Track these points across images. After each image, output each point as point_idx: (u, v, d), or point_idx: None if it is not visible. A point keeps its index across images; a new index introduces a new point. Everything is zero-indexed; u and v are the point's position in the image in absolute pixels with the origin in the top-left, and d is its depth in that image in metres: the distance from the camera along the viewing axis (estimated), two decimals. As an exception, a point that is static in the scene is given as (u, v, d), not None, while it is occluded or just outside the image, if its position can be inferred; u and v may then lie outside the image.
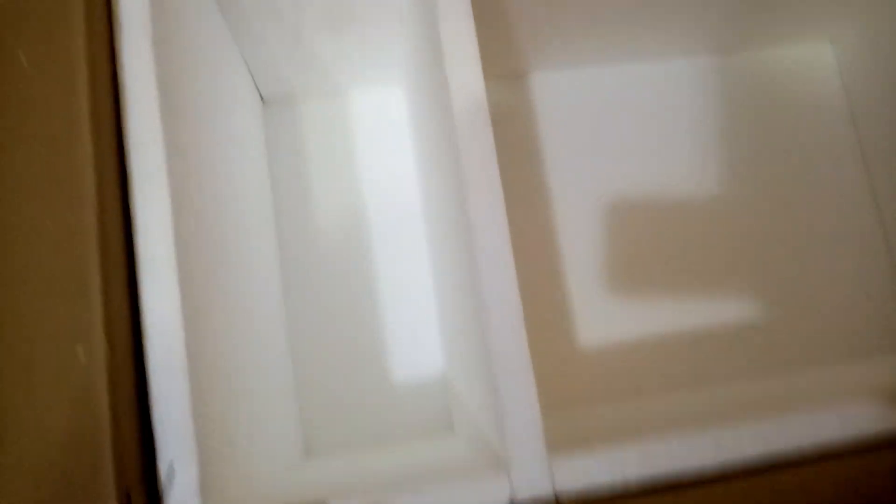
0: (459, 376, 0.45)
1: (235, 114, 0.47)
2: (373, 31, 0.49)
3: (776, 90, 0.61)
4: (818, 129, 0.61)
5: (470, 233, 0.31)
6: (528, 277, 0.55)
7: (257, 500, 0.32)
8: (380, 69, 0.55)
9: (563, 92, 0.59)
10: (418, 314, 0.54)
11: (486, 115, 0.32)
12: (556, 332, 0.55)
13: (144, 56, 0.31)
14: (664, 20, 0.54)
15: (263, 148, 0.55)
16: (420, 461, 0.42)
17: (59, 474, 0.26)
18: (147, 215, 0.30)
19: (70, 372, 0.27)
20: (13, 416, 0.27)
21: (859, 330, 0.56)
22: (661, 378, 0.55)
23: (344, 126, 0.57)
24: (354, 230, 0.56)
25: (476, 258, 0.30)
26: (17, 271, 0.28)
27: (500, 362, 0.30)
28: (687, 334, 0.56)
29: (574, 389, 0.54)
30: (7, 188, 0.28)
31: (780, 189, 0.59)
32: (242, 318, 0.39)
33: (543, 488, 0.29)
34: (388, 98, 0.58)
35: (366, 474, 0.40)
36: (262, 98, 0.56)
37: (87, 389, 0.27)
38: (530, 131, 0.59)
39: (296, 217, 0.55)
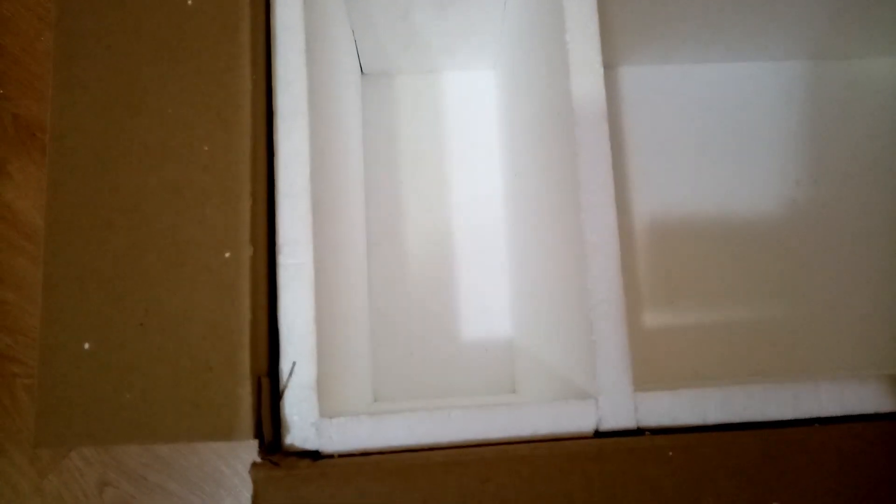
0: (532, 337, 0.48)
1: (344, 82, 0.51)
2: (475, 13, 0.53)
3: (859, 100, 0.62)
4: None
5: (579, 187, 0.33)
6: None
7: (362, 402, 0.35)
8: (476, 51, 0.58)
9: (649, 87, 0.61)
10: (490, 280, 0.57)
11: (602, 100, 0.35)
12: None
13: (295, 10, 0.34)
14: (759, 24, 0.56)
15: (360, 116, 0.59)
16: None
17: (198, 359, 0.30)
18: (288, 146, 0.33)
19: (218, 272, 0.30)
20: (160, 306, 0.31)
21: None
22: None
23: (436, 102, 0.61)
24: (437, 196, 0.59)
25: (582, 209, 0.33)
26: (175, 184, 0.32)
27: (596, 303, 0.32)
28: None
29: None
30: (170, 116, 0.32)
31: (854, 200, 0.60)
32: (352, 252, 0.43)
33: (628, 419, 0.31)
34: (479, 79, 0.61)
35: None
36: (362, 70, 0.60)
37: (230, 287, 0.30)
38: (613, 125, 0.61)
39: (384, 181, 0.59)
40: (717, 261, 0.59)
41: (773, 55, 0.61)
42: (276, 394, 0.31)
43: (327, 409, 0.32)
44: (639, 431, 0.31)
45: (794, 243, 0.59)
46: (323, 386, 0.33)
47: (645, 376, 0.56)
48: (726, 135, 0.61)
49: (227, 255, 0.31)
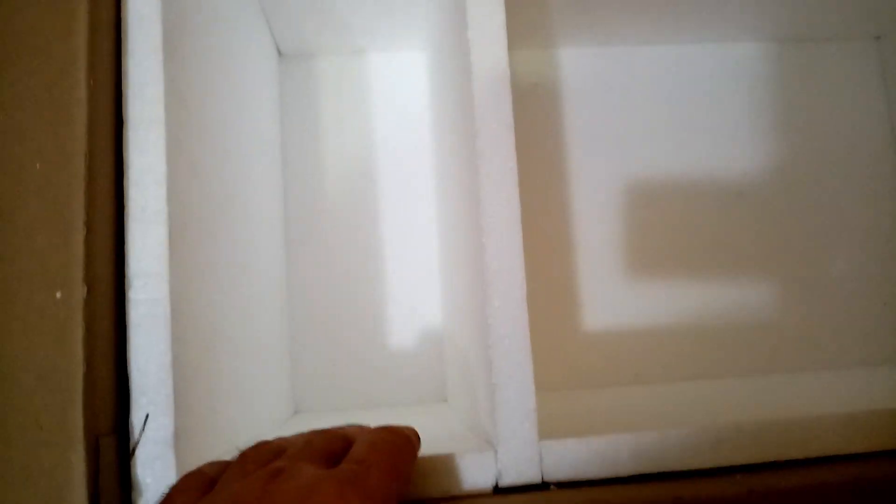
0: (457, 348, 0.44)
1: (249, 66, 0.46)
2: (395, -10, 0.48)
3: (812, 83, 0.58)
4: (855, 128, 0.58)
5: (480, 205, 0.29)
6: (538, 255, 0.54)
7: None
8: (402, 32, 0.53)
9: (592, 69, 0.57)
10: (421, 281, 0.53)
11: (507, 85, 0.31)
12: (563, 314, 0.54)
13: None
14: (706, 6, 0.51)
15: (277, 101, 0.54)
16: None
17: (28, 415, 0.26)
18: (140, 163, 0.29)
19: (47, 313, 0.26)
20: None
21: (873, 336, 0.54)
22: (663, 367, 0.53)
23: (360, 85, 0.56)
24: (362, 190, 0.54)
25: (484, 230, 0.29)
26: (4, 208, 0.27)
27: (497, 340, 0.28)
28: (695, 325, 0.54)
29: (576, 372, 0.53)
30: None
31: (806, 183, 0.57)
32: (239, 274, 0.38)
33: (531, 472, 0.28)
34: (407, 61, 0.56)
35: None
36: (279, 52, 0.55)
37: (62, 333, 0.26)
38: (555, 106, 0.57)
39: (304, 172, 0.54)
40: (665, 250, 0.55)
41: (721, 37, 0.57)
42: (126, 452, 0.27)
43: (193, 461, 0.28)
44: (544, 485, 0.28)
45: (744, 242, 0.56)
46: (191, 435, 0.29)
47: (580, 380, 0.52)
48: (673, 117, 0.57)
49: (59, 295, 0.26)
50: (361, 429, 0.27)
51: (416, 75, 0.56)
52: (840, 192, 0.57)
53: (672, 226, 0.55)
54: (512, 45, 0.32)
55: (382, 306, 0.53)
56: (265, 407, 0.43)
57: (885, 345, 0.54)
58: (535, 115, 0.56)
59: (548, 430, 0.28)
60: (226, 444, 0.33)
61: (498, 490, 0.28)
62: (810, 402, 0.38)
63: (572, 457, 0.28)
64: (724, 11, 0.53)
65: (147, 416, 0.27)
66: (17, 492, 0.25)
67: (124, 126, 0.29)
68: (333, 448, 0.25)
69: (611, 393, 0.49)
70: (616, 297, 0.54)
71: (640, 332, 0.54)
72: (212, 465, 0.26)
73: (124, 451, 0.27)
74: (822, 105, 0.58)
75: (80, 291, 0.26)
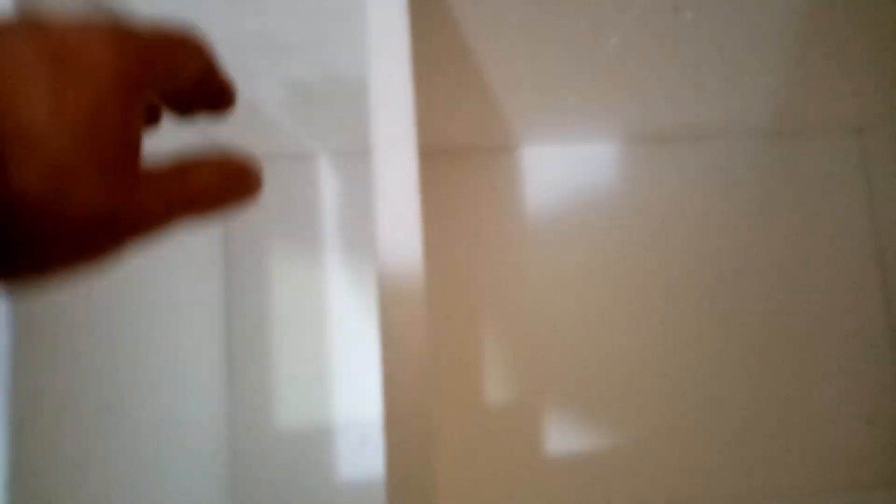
0: None
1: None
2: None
3: (793, 177, 0.55)
4: (837, 227, 0.54)
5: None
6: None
7: None
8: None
9: (549, 167, 0.53)
10: (371, 408, 0.49)
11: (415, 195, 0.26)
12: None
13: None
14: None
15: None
16: None
17: None
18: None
19: None
20: None
21: (859, 460, 0.51)
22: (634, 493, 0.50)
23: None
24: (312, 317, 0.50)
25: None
26: None
27: None
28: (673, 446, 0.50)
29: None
30: None
31: (787, 285, 0.53)
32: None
33: None
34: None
35: None
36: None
37: None
38: (515, 205, 0.53)
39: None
40: (621, 373, 0.51)
41: (701, 134, 0.53)
42: None
43: None
44: None
45: (722, 358, 0.52)
46: None
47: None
48: (632, 216, 0.53)
49: None
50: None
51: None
52: (822, 294, 0.53)
53: (646, 335, 0.52)
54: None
55: (330, 437, 0.49)
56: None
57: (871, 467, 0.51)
58: (498, 215, 0.52)
59: None
60: None
61: None
62: None
63: None
64: (706, 105, 0.49)
65: None
66: None
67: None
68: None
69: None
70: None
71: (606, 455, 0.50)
72: None
73: None
74: (804, 201, 0.54)
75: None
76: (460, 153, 0.53)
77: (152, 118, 0.22)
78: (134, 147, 0.17)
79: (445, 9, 0.33)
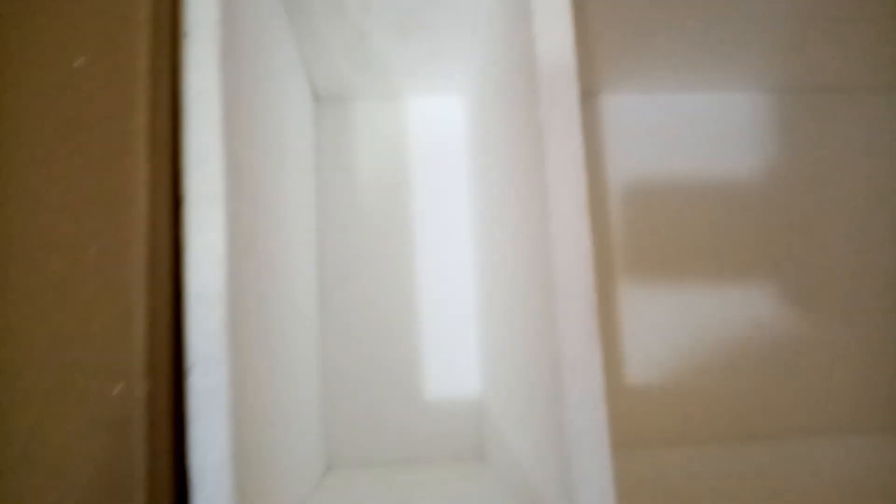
0: (501, 407, 0.43)
1: (289, 113, 0.45)
2: (442, 40, 0.47)
3: (826, 132, 0.57)
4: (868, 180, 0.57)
5: (551, 247, 0.28)
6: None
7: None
8: (442, 77, 0.52)
9: (629, 115, 0.56)
10: (458, 332, 0.52)
11: (578, 129, 0.29)
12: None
13: (210, 70, 0.28)
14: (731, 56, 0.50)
15: (314, 146, 0.53)
16: (446, 492, 0.40)
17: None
18: (199, 241, 0.28)
19: (107, 406, 0.25)
20: (39, 446, 0.25)
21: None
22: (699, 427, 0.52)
23: (397, 129, 0.55)
24: (398, 240, 0.53)
25: (554, 273, 0.28)
26: (58, 296, 0.26)
27: (572, 397, 0.27)
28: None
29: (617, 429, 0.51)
30: (51, 207, 0.26)
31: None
32: (283, 342, 0.37)
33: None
34: (445, 106, 0.55)
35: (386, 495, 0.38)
36: (315, 95, 0.54)
37: (122, 425, 0.25)
38: (592, 154, 0.56)
39: (338, 221, 0.53)
40: (709, 312, 0.54)
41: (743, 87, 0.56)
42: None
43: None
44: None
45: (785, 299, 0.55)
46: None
47: (622, 439, 0.51)
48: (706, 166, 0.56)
49: (118, 389, 0.25)
50: None
51: (454, 120, 0.55)
52: (849, 238, 0.56)
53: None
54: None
55: (418, 358, 0.52)
56: (298, 465, 0.42)
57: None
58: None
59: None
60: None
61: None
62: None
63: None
64: (737, 63, 0.52)
65: (205, 512, 0.26)
66: None
67: (182, 204, 0.28)
68: None
69: (657, 455, 0.47)
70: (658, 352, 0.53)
71: (677, 389, 0.53)
72: None
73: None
74: (834, 158, 0.57)
75: (142, 386, 0.25)
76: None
77: None
78: None
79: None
